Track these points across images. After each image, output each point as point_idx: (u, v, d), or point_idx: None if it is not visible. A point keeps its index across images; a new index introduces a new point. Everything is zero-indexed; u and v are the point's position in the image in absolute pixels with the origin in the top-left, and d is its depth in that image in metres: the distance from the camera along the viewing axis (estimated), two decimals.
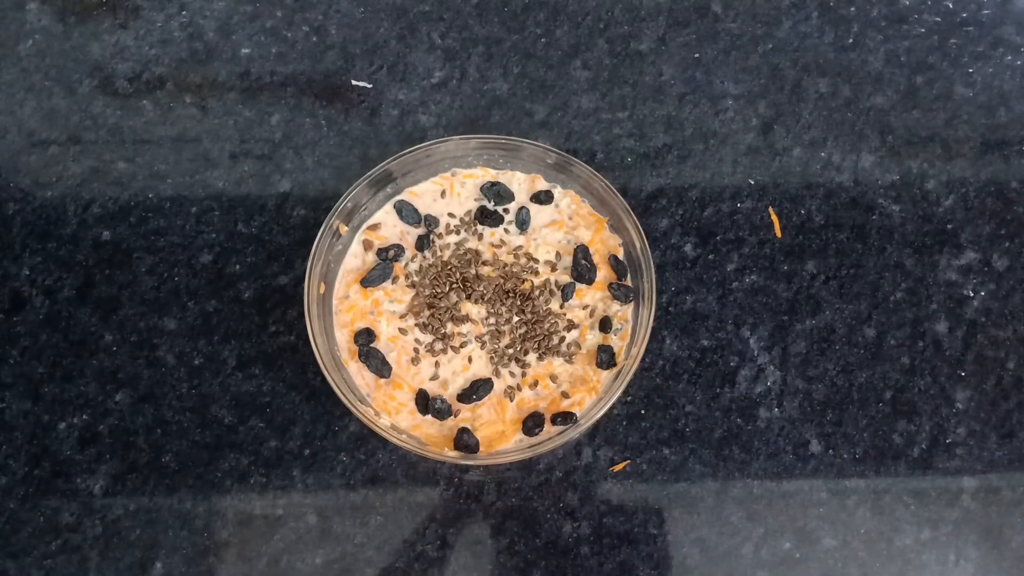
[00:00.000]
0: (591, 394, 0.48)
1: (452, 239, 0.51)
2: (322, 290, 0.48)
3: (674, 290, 0.54)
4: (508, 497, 0.49)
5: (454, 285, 0.49)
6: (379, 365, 0.48)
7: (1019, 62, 0.60)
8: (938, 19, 0.62)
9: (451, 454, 0.46)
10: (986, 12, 0.62)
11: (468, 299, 0.49)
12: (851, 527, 0.49)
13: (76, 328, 0.52)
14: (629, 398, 0.51)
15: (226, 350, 0.52)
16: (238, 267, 0.54)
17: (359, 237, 0.51)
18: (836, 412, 0.52)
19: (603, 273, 0.51)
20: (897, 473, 0.50)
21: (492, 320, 0.49)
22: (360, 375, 0.48)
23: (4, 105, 0.58)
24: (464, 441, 0.46)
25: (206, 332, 0.52)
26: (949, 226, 0.56)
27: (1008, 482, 0.50)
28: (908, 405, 0.52)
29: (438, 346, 0.48)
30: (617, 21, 0.61)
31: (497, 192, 0.51)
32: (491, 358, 0.48)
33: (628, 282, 0.50)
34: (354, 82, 0.59)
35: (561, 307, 0.50)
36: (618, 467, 0.50)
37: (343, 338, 0.49)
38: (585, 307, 0.50)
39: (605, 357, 0.48)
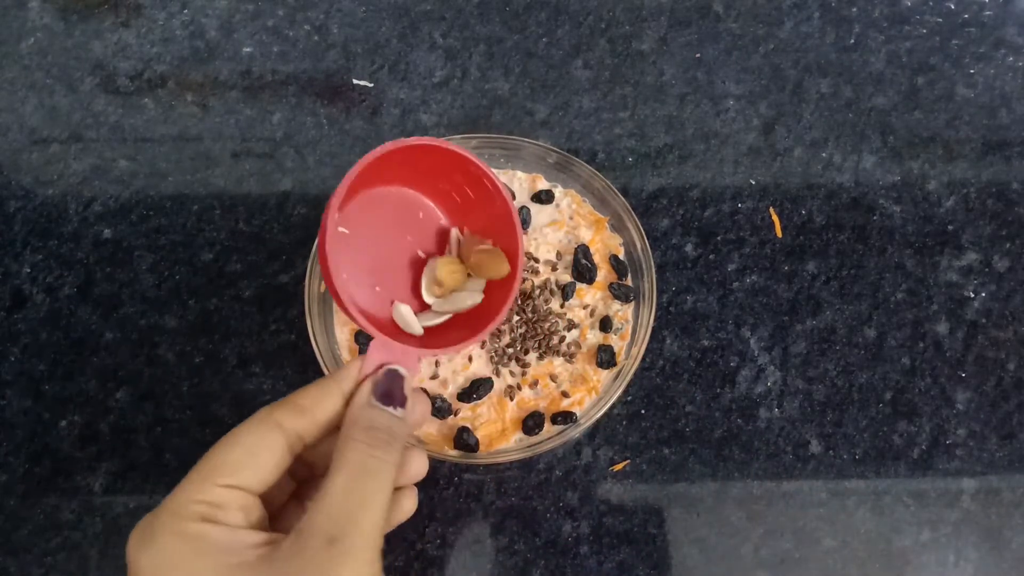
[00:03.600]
0: (591, 394, 0.48)
1: None
2: (323, 289, 0.48)
3: (674, 290, 0.54)
4: (508, 496, 0.49)
5: None
6: None
7: (1021, 63, 0.60)
8: (940, 20, 0.62)
9: (451, 453, 0.46)
10: (988, 13, 0.62)
11: None
12: (851, 528, 0.49)
13: (77, 326, 0.52)
14: (629, 398, 0.51)
15: (227, 348, 0.52)
16: (239, 265, 0.54)
17: None
18: (836, 412, 0.51)
19: (603, 273, 0.51)
20: (897, 474, 0.50)
21: None
22: None
23: (6, 103, 0.58)
24: (464, 440, 0.46)
25: (207, 330, 0.52)
26: (950, 227, 0.56)
27: (1008, 483, 0.50)
28: (908, 406, 0.52)
29: None
30: (618, 21, 0.61)
31: None
32: (491, 357, 0.48)
33: (628, 282, 0.50)
34: (355, 81, 0.59)
35: (561, 306, 0.50)
36: (618, 467, 0.50)
37: (344, 337, 0.49)
38: (585, 307, 0.50)
39: (605, 357, 0.48)
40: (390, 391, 0.33)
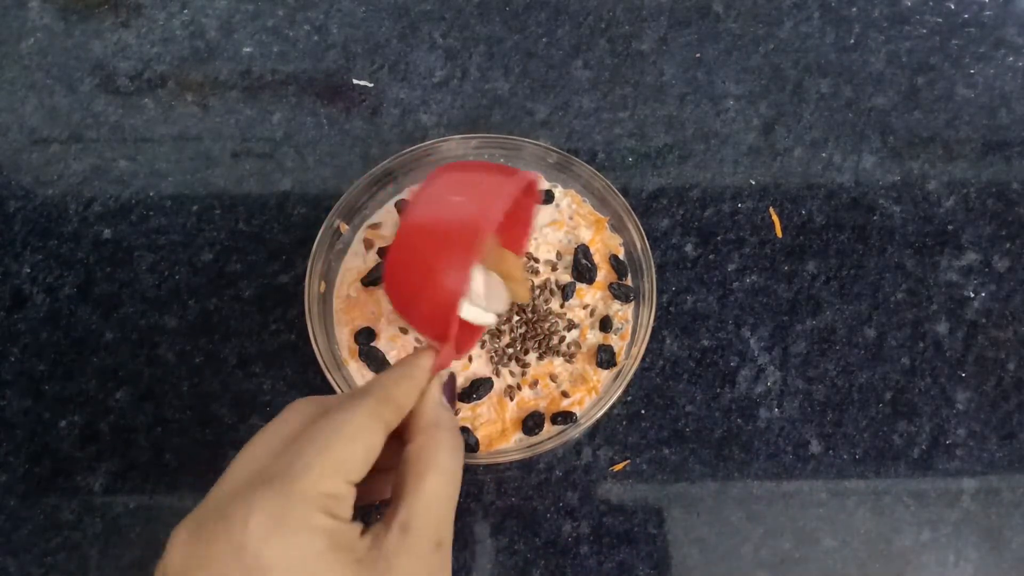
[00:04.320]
0: (591, 394, 0.48)
1: None
2: (323, 289, 0.48)
3: (674, 290, 0.54)
4: (508, 496, 0.49)
5: None
6: (379, 364, 0.48)
7: (1020, 63, 0.60)
8: (939, 20, 0.62)
9: None
10: (988, 13, 0.62)
11: None
12: (851, 528, 0.49)
13: (77, 326, 0.52)
14: (629, 398, 0.51)
15: (227, 348, 0.52)
16: (239, 265, 0.54)
17: (360, 236, 0.51)
18: (836, 412, 0.51)
19: (603, 273, 0.51)
20: (897, 474, 0.50)
21: None
22: (360, 374, 0.48)
23: (6, 103, 0.58)
24: (464, 440, 0.46)
25: (207, 330, 0.52)
26: (950, 227, 0.56)
27: (1008, 483, 0.50)
28: (908, 406, 0.52)
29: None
30: (618, 21, 0.61)
31: None
32: (491, 357, 0.48)
33: (628, 282, 0.50)
34: (355, 81, 0.59)
35: (561, 306, 0.50)
36: (618, 467, 0.50)
37: (344, 337, 0.49)
38: (585, 307, 0.50)
39: (605, 357, 0.48)
40: (447, 393, 0.35)
